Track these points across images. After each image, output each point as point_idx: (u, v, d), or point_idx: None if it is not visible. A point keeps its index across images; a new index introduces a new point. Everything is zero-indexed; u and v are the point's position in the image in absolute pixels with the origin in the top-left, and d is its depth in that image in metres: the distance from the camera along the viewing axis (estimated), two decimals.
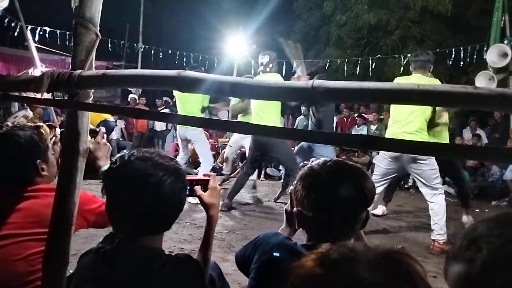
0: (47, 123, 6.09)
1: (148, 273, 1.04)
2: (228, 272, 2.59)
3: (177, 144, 9.13)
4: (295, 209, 1.15)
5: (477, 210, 5.99)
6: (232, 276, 2.59)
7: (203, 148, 5.60)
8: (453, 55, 9.49)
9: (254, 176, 6.48)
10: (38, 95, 1.22)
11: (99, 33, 1.24)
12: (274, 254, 1.10)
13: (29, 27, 7.78)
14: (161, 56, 12.66)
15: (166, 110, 10.18)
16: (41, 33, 9.54)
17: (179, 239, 3.45)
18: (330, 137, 0.96)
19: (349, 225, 1.10)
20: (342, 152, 8.89)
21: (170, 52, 12.42)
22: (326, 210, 1.07)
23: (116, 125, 10.13)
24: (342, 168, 1.13)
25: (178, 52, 12.07)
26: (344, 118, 9.90)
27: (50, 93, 1.26)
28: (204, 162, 5.56)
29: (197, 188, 1.28)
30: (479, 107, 0.91)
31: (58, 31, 9.79)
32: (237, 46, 10.98)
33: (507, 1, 7.74)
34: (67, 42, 9.31)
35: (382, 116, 9.24)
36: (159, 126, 10.72)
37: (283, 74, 10.66)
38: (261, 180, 8.15)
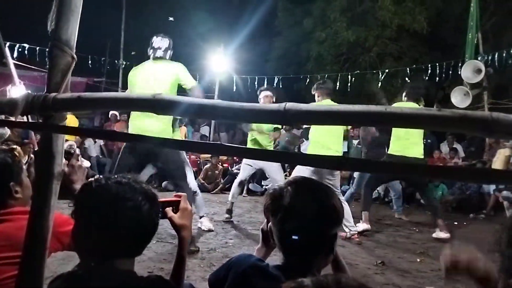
0: (24, 141, 5.97)
1: None
2: None
3: None
4: (269, 225, 1.17)
5: (456, 223, 6.09)
6: None
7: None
8: (429, 71, 9.75)
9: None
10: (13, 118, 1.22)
11: (75, 56, 1.24)
12: (247, 276, 1.11)
13: (7, 43, 7.69)
14: None
15: None
16: (19, 49, 9.44)
17: (158, 258, 3.41)
18: (301, 157, 0.99)
19: (317, 243, 1.11)
20: None
21: None
22: (292, 228, 1.09)
23: (95, 142, 10.01)
24: (308, 186, 1.15)
25: None
26: None
27: (25, 115, 1.26)
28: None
29: (168, 209, 1.27)
30: (443, 129, 0.95)
31: (38, 48, 9.70)
32: (219, 62, 11.10)
33: (479, 20, 8.04)
34: (46, 59, 9.21)
35: None
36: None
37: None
38: (243, 196, 8.13)
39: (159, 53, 3.91)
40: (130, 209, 1.07)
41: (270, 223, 1.18)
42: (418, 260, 3.85)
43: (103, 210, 1.06)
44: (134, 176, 1.15)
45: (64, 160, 1.42)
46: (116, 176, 1.12)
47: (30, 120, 1.30)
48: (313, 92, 4.85)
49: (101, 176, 1.13)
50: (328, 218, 1.10)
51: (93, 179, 1.12)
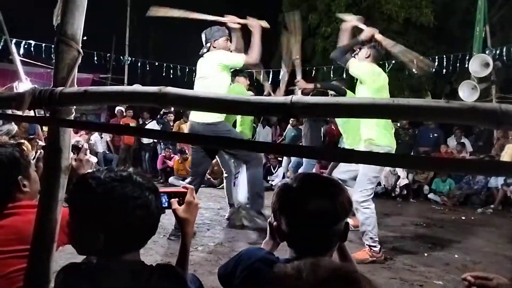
0: (30, 136, 6.02)
1: (137, 287, 1.04)
2: (215, 286, 2.57)
3: (164, 156, 9.14)
4: (274, 223, 1.16)
5: (463, 218, 6.06)
6: None
7: None
8: (436, 64, 9.68)
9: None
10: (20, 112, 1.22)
11: (81, 50, 1.25)
12: (256, 269, 1.11)
13: (14, 40, 7.75)
14: (148, 68, 12.67)
15: (153, 123, 10.13)
16: (26, 46, 9.50)
17: (165, 253, 3.43)
18: (307, 151, 0.98)
19: (323, 239, 1.11)
20: (328, 162, 8.94)
21: (157, 64, 12.43)
22: (299, 224, 1.09)
23: (102, 138, 10.05)
24: (315, 181, 1.15)
25: (165, 64, 12.09)
26: (333, 127, 9.90)
27: (32, 110, 1.26)
28: None
29: (174, 201, 1.25)
30: (451, 121, 0.94)
31: (43, 44, 9.75)
32: None
33: (487, 13, 7.95)
34: (52, 55, 9.28)
35: None
36: (146, 138, 10.67)
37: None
38: None
39: (203, 50, 4.11)
40: (142, 207, 1.06)
41: (276, 221, 1.16)
42: (426, 254, 3.84)
43: (114, 211, 1.04)
44: (133, 170, 1.12)
45: (72, 154, 1.42)
46: (113, 171, 1.09)
47: (37, 115, 1.30)
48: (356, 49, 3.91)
49: (96, 173, 1.09)
50: (334, 213, 1.09)
51: (89, 176, 1.08)
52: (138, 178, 1.10)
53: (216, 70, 3.91)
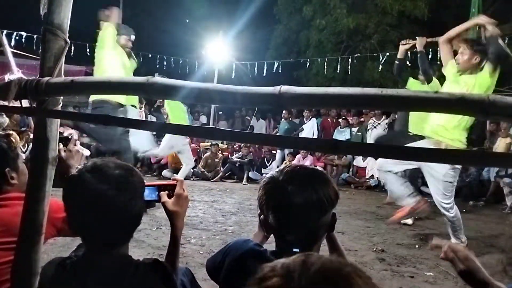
0: (20, 129, 5.98)
1: (122, 281, 1.04)
2: (207, 278, 2.57)
3: None
4: (261, 216, 1.15)
5: None
6: (211, 281, 2.58)
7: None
8: (430, 56, 9.67)
9: None
10: (6, 103, 1.20)
11: (68, 40, 1.23)
12: (244, 261, 1.10)
13: (5, 31, 7.65)
14: (141, 60, 12.56)
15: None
16: (17, 38, 9.40)
17: (158, 246, 3.42)
18: (301, 142, 0.97)
19: (310, 231, 1.09)
20: (323, 155, 8.97)
21: (150, 56, 12.35)
22: (286, 217, 1.07)
23: None
24: (300, 174, 1.12)
25: (158, 56, 12.01)
26: (329, 120, 9.92)
27: (19, 101, 1.24)
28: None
29: (163, 194, 1.24)
30: (441, 111, 0.94)
31: (35, 36, 9.64)
32: (218, 50, 11.03)
33: (482, 7, 7.96)
34: None
35: (362, 119, 9.36)
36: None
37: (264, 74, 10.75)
38: (243, 184, 8.16)
39: None
40: (128, 199, 1.05)
41: (263, 214, 1.15)
42: (417, 246, 3.86)
43: (98, 203, 1.03)
44: (116, 160, 1.12)
45: (62, 146, 1.41)
46: (96, 163, 1.08)
47: (23, 105, 1.28)
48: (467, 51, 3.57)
49: (87, 166, 1.09)
50: (320, 206, 1.07)
51: (82, 167, 1.09)
52: (125, 171, 1.09)
53: None
